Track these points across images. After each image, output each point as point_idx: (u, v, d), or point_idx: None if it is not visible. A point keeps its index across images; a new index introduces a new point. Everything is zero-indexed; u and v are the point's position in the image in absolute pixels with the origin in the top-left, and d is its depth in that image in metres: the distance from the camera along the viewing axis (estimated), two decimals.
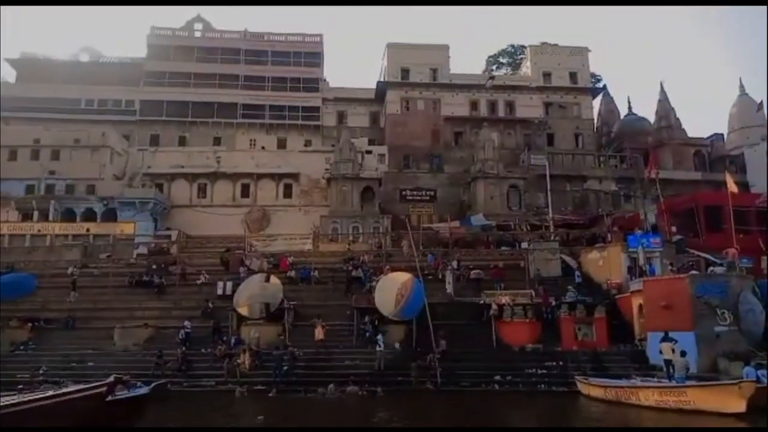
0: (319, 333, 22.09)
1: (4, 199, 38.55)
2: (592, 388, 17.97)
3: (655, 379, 17.68)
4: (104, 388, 7.54)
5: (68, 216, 39.08)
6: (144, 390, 10.89)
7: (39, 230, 37.02)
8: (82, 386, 8.33)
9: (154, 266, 31.75)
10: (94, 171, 40.81)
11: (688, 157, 47.77)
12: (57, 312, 26.01)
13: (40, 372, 20.77)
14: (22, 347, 23.45)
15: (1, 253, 33.45)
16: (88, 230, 38.30)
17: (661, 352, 17.72)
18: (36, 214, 38.78)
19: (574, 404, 17.35)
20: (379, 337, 21.38)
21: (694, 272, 21.63)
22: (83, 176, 40.37)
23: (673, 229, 32.34)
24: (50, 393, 7.98)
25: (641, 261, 23.87)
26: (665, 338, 17.54)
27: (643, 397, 15.93)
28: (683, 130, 49.66)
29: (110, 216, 39.49)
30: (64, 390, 8.22)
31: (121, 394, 10.82)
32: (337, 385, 19.40)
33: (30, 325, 24.35)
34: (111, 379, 7.72)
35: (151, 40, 50.27)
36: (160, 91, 48.19)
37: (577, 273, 27.02)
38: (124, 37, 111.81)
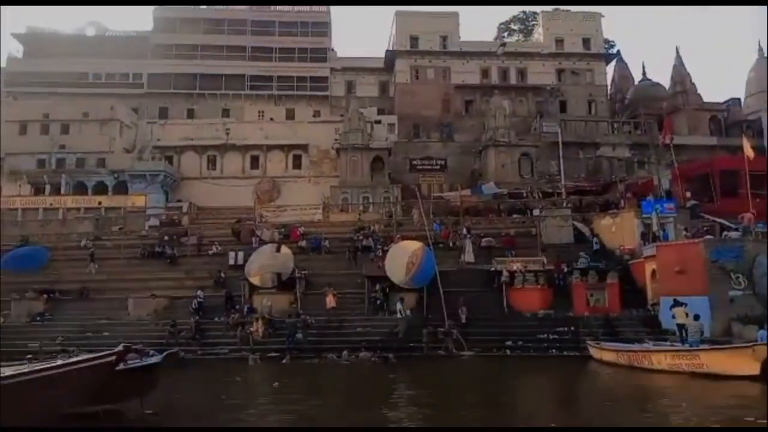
0: (330, 301, 22.21)
1: (14, 174, 38.81)
2: (604, 352, 17.92)
3: (668, 343, 17.60)
4: (113, 357, 7.44)
5: (80, 189, 39.39)
6: (156, 358, 10.90)
7: (51, 204, 37.34)
8: (90, 355, 8.26)
9: (166, 237, 32.00)
10: (103, 144, 40.85)
11: (703, 123, 46.87)
12: (71, 284, 26.28)
13: (57, 342, 21.11)
14: (38, 318, 23.80)
15: (14, 227, 33.84)
16: (99, 203, 38.62)
17: (674, 317, 17.58)
18: (48, 188, 39.08)
19: (586, 369, 17.33)
20: (398, 305, 21.48)
21: (709, 237, 21.35)
22: (93, 150, 40.43)
23: (688, 194, 31.93)
24: (58, 363, 7.95)
25: (655, 226, 23.57)
26: (675, 304, 17.38)
27: (655, 360, 15.84)
28: (699, 95, 48.64)
29: (121, 189, 39.72)
30: (72, 359, 8.16)
31: (134, 362, 10.90)
32: (350, 351, 19.54)
33: (45, 296, 24.68)
34: (120, 347, 7.61)
35: (157, 12, 49.72)
36: (168, 64, 47.79)
37: (594, 240, 26.67)
38: (129, 10, 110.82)
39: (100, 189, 39.59)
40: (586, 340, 19.33)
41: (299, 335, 20.46)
